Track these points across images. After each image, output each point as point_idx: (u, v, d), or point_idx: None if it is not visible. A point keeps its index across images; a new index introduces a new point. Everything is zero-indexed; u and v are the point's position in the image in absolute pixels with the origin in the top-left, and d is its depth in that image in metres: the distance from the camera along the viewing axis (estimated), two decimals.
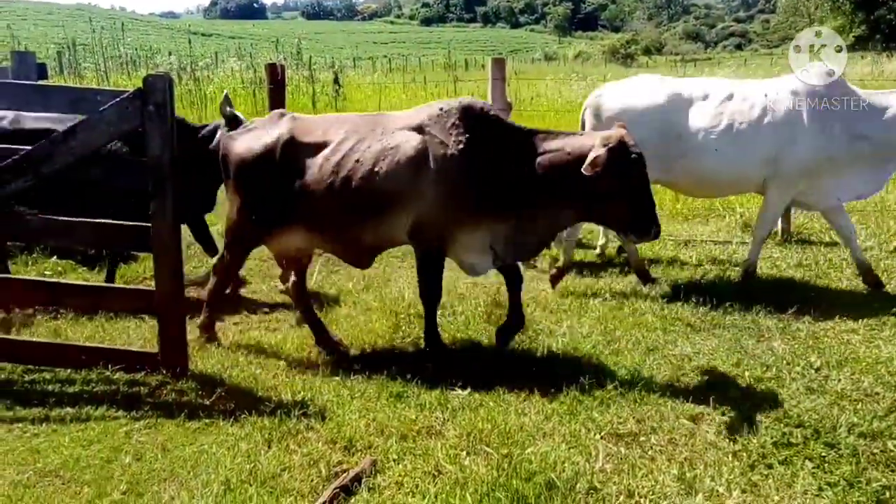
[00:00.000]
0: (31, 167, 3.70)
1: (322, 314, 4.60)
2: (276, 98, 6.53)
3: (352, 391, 3.67)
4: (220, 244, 5.62)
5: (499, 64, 6.45)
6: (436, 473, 2.89)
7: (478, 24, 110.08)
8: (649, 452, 3.07)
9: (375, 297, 5.13)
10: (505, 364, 3.95)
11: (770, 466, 2.96)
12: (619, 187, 3.61)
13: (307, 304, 4.39)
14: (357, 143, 3.89)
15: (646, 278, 5.44)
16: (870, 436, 3.14)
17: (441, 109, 3.86)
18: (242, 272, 5.73)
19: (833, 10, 45.42)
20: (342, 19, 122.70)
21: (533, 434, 3.19)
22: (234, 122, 4.68)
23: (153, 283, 3.88)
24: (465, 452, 3.04)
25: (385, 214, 3.84)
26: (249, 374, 3.87)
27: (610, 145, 3.56)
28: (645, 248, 5.89)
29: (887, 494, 2.76)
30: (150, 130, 3.64)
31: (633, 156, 3.59)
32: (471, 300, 4.94)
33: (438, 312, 4.12)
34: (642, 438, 3.18)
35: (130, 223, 3.82)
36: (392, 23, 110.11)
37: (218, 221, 6.48)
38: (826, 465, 2.96)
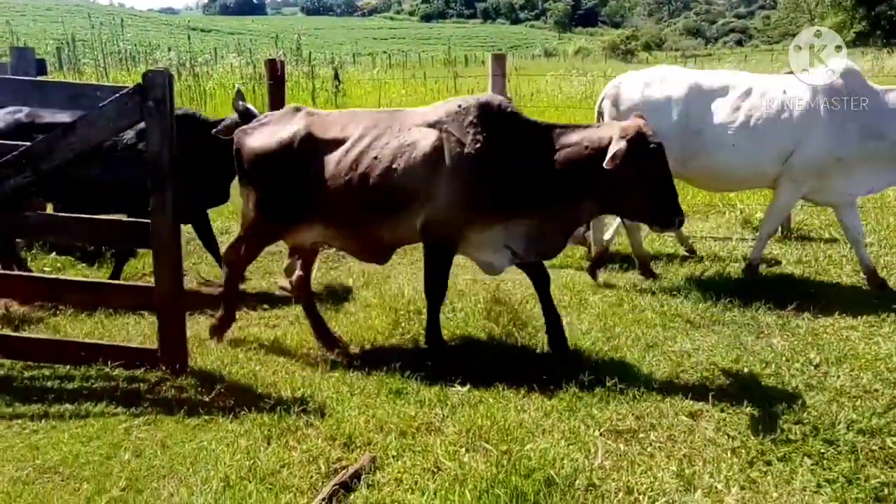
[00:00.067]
0: (30, 163, 3.69)
1: (321, 311, 4.59)
2: (276, 94, 6.51)
3: (351, 388, 3.67)
4: (220, 243, 5.65)
5: (499, 60, 6.43)
6: (435, 470, 2.89)
7: (478, 20, 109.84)
8: (648, 449, 3.07)
9: (375, 293, 5.12)
10: (504, 361, 3.95)
11: (769, 463, 2.96)
12: (639, 179, 3.57)
13: (309, 300, 4.38)
14: (375, 139, 3.86)
15: (648, 273, 5.45)
16: (868, 432, 3.14)
17: (459, 107, 3.82)
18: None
19: (834, 7, 45.38)
20: (342, 15, 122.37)
21: (532, 431, 3.18)
22: (246, 117, 4.68)
23: (153, 280, 3.88)
24: (464, 449, 3.04)
25: (402, 211, 3.81)
26: (249, 371, 3.87)
27: (629, 137, 3.53)
28: (644, 244, 5.87)
29: (886, 491, 2.76)
30: (149, 126, 3.63)
31: (653, 146, 3.56)
32: (470, 297, 4.93)
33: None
34: (641, 435, 3.18)
35: (129, 219, 3.82)
36: (392, 19, 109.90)
37: (216, 217, 6.49)
38: (825, 461, 2.96)
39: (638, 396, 3.49)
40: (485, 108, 3.77)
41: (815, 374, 3.77)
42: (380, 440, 3.13)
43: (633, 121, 3.68)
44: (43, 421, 3.39)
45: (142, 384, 3.71)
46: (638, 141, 3.53)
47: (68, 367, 3.87)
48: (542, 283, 4.07)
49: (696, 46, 68.37)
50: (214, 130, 4.70)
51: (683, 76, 5.35)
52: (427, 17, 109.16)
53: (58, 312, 4.74)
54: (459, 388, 3.63)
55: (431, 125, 3.82)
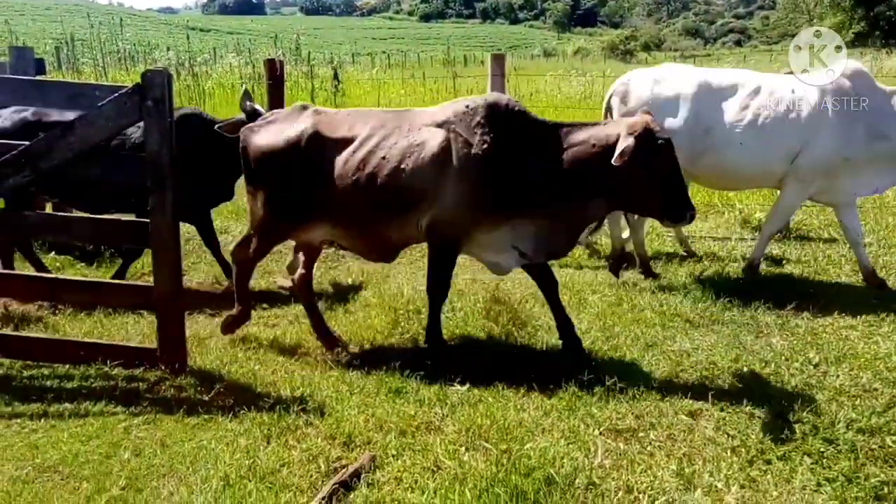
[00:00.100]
0: (29, 162, 3.69)
1: (321, 310, 4.58)
2: (275, 94, 6.52)
3: (351, 387, 3.67)
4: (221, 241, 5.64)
5: (498, 60, 6.44)
6: (435, 469, 2.89)
7: (477, 19, 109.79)
8: (648, 448, 3.08)
9: (374, 293, 5.12)
10: (503, 360, 3.95)
11: (769, 462, 2.97)
12: (648, 174, 3.57)
13: (311, 299, 4.37)
14: (383, 139, 3.85)
15: (648, 272, 5.46)
16: (868, 432, 3.15)
17: (467, 107, 3.80)
18: None
19: (832, 7, 45.41)
20: (341, 15, 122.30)
21: (532, 430, 3.19)
22: (253, 117, 4.68)
23: (152, 279, 3.87)
24: (464, 448, 3.04)
25: (411, 211, 3.80)
26: (248, 370, 3.87)
27: (637, 133, 3.52)
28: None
29: (885, 490, 2.77)
30: (148, 126, 3.63)
31: (661, 142, 3.55)
32: (470, 296, 4.93)
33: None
34: (641, 434, 3.18)
35: (128, 219, 3.81)
36: (391, 19, 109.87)
37: (215, 217, 6.48)
38: (824, 460, 2.97)
39: (637, 395, 3.49)
40: (492, 109, 3.76)
41: (814, 373, 3.78)
42: (379, 439, 3.13)
43: (641, 117, 3.66)
44: (42, 420, 3.39)
45: (141, 383, 3.71)
46: (646, 137, 3.52)
47: (67, 366, 3.87)
48: (550, 289, 4.05)
49: (695, 47, 68.40)
50: (217, 126, 4.68)
51: (693, 74, 5.35)
52: (426, 17, 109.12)
53: (57, 312, 4.74)
54: (459, 387, 3.63)
55: (439, 125, 3.80)
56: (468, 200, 3.71)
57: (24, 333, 4.32)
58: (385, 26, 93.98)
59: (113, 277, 5.25)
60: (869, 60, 22.34)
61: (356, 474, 2.84)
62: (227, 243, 5.83)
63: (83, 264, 5.90)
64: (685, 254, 6.13)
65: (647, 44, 64.99)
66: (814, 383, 3.64)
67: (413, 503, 2.69)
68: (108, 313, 4.73)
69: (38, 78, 6.58)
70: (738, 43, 73.93)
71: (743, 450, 3.05)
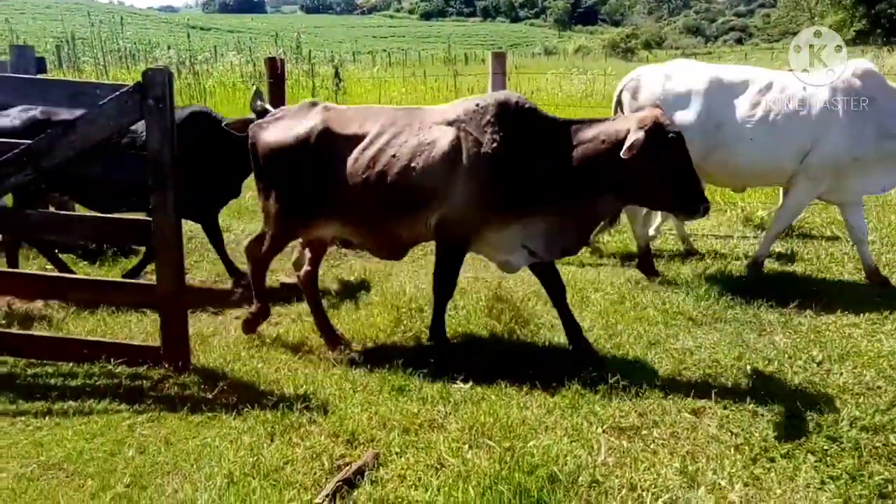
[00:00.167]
0: (31, 161, 3.69)
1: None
2: (276, 92, 6.50)
3: (354, 385, 3.67)
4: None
5: (499, 58, 6.42)
6: (438, 466, 2.90)
7: (477, 18, 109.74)
8: (651, 446, 3.08)
9: (377, 291, 5.12)
10: (506, 358, 3.95)
11: (772, 460, 2.97)
12: (659, 168, 3.54)
13: (315, 296, 4.37)
14: (393, 137, 3.83)
15: (650, 271, 5.45)
16: (872, 429, 3.15)
17: (477, 105, 3.78)
18: (244, 267, 5.73)
19: (834, 5, 45.33)
20: (341, 13, 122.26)
21: (535, 427, 3.19)
22: (263, 116, 4.68)
23: (154, 278, 3.88)
24: (467, 446, 3.04)
25: (421, 210, 3.79)
26: (252, 368, 3.87)
27: (646, 127, 3.50)
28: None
29: (889, 488, 2.77)
30: (149, 124, 3.63)
31: (671, 135, 3.53)
32: (472, 294, 4.93)
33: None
34: (644, 432, 3.18)
35: (129, 217, 3.82)
36: (391, 17, 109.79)
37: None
38: (828, 458, 2.97)
39: (641, 393, 3.49)
40: (502, 107, 3.73)
41: (817, 371, 3.78)
42: (383, 437, 3.13)
43: (651, 111, 3.64)
44: (47, 418, 3.40)
45: (145, 381, 3.72)
46: (656, 131, 3.50)
47: (71, 364, 3.87)
48: (557, 293, 4.03)
49: (696, 45, 68.27)
50: (225, 124, 4.67)
51: (704, 70, 5.34)
52: (427, 16, 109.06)
53: (60, 310, 4.74)
54: (462, 385, 3.63)
55: (450, 123, 3.79)
56: (478, 199, 3.70)
57: (28, 331, 4.32)
58: (386, 24, 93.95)
59: (125, 276, 5.25)
60: (870, 58, 22.33)
61: (360, 472, 2.84)
62: (229, 241, 5.85)
63: (86, 263, 5.89)
64: (687, 252, 6.12)
65: (647, 42, 64.85)
66: (817, 381, 3.65)
67: (416, 500, 2.69)
68: (111, 312, 4.73)
69: (38, 76, 6.58)
70: (739, 41, 73.83)
71: (746, 448, 3.05)
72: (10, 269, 4.97)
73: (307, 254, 4.40)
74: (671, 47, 62.03)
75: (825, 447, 3.03)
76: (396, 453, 3.01)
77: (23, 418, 3.40)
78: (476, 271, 5.44)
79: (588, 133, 3.69)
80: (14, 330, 4.34)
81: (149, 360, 3.80)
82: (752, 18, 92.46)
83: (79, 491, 2.84)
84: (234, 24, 70.36)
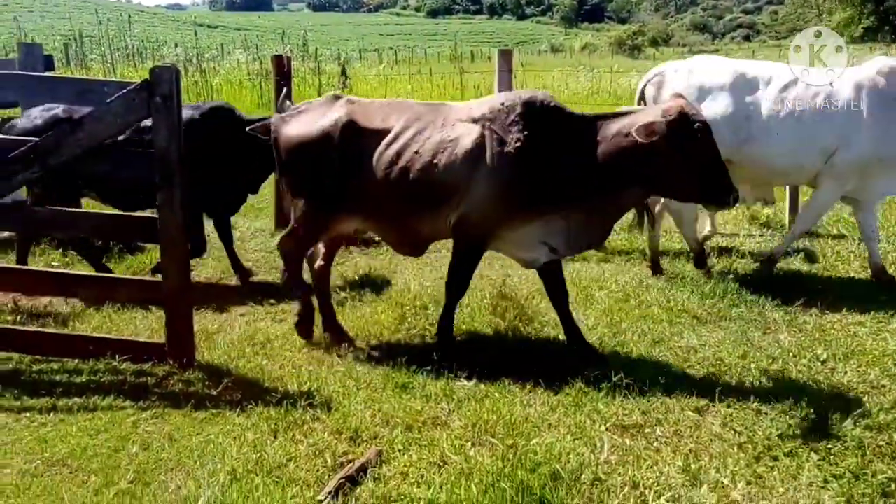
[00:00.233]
0: (38, 158, 3.71)
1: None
2: (282, 90, 6.52)
3: (357, 382, 3.68)
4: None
5: (505, 56, 6.43)
6: (441, 464, 2.90)
7: (484, 15, 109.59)
8: (654, 444, 3.08)
9: (382, 289, 5.13)
10: (510, 356, 3.95)
11: (775, 458, 2.96)
12: (685, 159, 3.50)
13: (326, 291, 4.37)
14: (418, 132, 3.82)
15: (656, 268, 5.45)
16: (876, 428, 3.14)
17: (503, 104, 3.76)
18: (249, 264, 5.76)
19: (841, 2, 45.03)
20: (348, 11, 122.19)
21: (538, 425, 3.19)
22: None
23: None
24: (470, 443, 3.04)
25: (442, 206, 3.78)
26: (256, 365, 3.88)
27: (670, 117, 3.47)
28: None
29: (893, 487, 2.76)
30: (156, 122, 3.64)
31: (697, 125, 3.49)
32: (476, 292, 4.92)
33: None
34: (647, 430, 3.18)
35: (137, 215, 3.83)
36: (398, 14, 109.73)
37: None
38: (832, 457, 2.96)
39: (644, 392, 3.48)
40: (528, 106, 3.70)
41: (822, 369, 3.77)
42: (386, 434, 3.14)
43: (675, 101, 3.61)
44: (51, 414, 3.42)
45: (149, 378, 3.74)
46: (681, 121, 3.47)
47: (76, 361, 3.89)
48: (559, 297, 4.01)
49: (703, 42, 68.07)
50: (249, 128, 4.62)
51: (729, 65, 5.32)
52: (433, 13, 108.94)
53: (66, 306, 4.76)
54: (465, 382, 3.64)
55: (475, 121, 3.77)
56: (500, 198, 3.68)
57: (33, 328, 4.35)
58: (392, 22, 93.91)
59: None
60: (878, 55, 22.17)
61: (363, 469, 2.85)
62: (235, 239, 5.85)
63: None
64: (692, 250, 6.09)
65: (654, 39, 64.69)
66: (822, 380, 3.64)
67: (419, 498, 2.70)
68: (116, 308, 4.75)
69: (46, 74, 6.62)
70: (747, 38, 73.49)
71: (749, 446, 3.04)
72: (16, 266, 5.00)
73: (321, 249, 4.38)
74: (678, 45, 61.82)
75: (829, 446, 3.02)
76: (399, 450, 3.01)
77: (27, 414, 3.42)
78: (480, 269, 5.41)
79: (613, 127, 3.65)
80: (20, 326, 4.36)
81: (154, 357, 3.81)
82: (760, 15, 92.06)
83: (82, 487, 2.86)
84: (242, 22, 70.41)
